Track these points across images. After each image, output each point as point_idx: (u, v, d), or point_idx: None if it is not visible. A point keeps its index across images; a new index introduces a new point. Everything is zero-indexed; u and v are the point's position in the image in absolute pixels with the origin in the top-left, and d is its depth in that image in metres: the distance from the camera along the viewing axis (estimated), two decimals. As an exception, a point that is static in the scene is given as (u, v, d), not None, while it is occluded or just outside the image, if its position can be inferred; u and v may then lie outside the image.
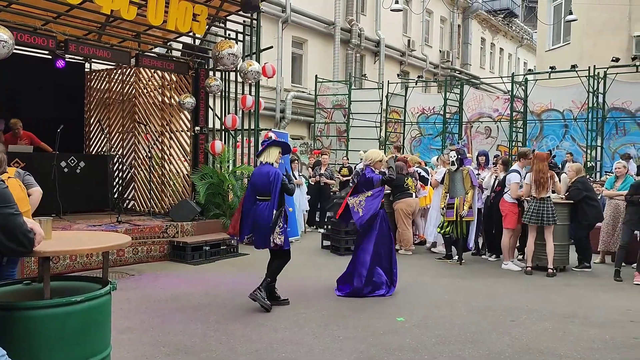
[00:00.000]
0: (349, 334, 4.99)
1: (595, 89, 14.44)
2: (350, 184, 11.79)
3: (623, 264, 7.79)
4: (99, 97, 11.09)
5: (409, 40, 26.20)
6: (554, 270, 7.87)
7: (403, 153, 14.82)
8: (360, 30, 22.55)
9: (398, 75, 22.22)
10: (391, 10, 19.68)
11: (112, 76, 10.89)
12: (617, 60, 14.38)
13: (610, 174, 11.24)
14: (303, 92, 20.59)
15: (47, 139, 9.22)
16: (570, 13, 17.83)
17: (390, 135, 18.35)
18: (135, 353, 4.43)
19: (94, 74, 11.16)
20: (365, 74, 22.98)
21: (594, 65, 14.27)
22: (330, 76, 20.65)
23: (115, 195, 10.49)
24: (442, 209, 8.72)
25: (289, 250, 5.81)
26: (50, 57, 9.15)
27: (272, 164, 5.76)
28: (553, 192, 8.51)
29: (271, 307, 5.62)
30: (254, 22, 10.21)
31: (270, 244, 5.56)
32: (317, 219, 12.59)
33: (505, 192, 8.37)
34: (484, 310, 5.89)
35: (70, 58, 9.77)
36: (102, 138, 11.04)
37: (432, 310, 5.86)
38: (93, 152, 11.02)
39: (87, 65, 11.09)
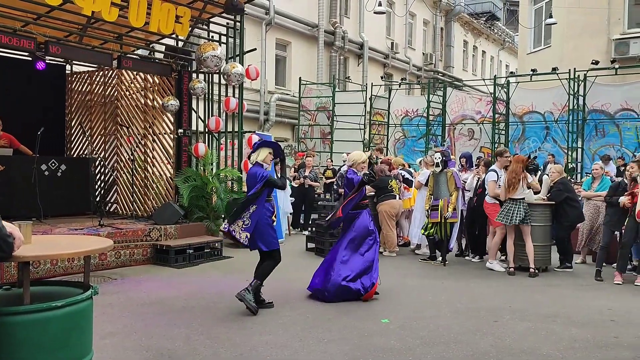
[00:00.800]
0: (333, 336, 4.99)
1: (575, 91, 14.63)
2: (335, 186, 11.86)
3: (604, 263, 7.90)
4: (81, 99, 10.96)
5: (392, 43, 26.32)
6: (536, 271, 7.95)
7: (387, 155, 14.88)
8: (343, 33, 22.62)
9: (382, 77, 22.30)
10: (374, 12, 19.76)
11: (93, 78, 10.77)
12: (597, 63, 14.59)
13: (590, 174, 11.39)
14: (287, 94, 20.59)
15: (28, 141, 9.08)
16: (551, 17, 18.05)
17: (374, 137, 18.41)
18: (118, 358, 4.39)
19: (75, 75, 11.03)
20: (349, 76, 23.05)
21: (574, 68, 14.46)
22: (314, 78, 20.66)
23: (97, 199, 10.37)
24: (427, 210, 8.78)
25: (278, 251, 5.82)
26: (30, 58, 9.04)
27: (262, 165, 5.77)
28: (536, 193, 8.61)
29: (257, 310, 5.60)
30: (238, 24, 10.19)
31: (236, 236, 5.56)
32: (302, 221, 12.58)
33: (487, 194, 8.46)
34: (467, 311, 5.93)
35: (50, 60, 9.66)
36: (83, 141, 10.91)
37: (416, 311, 5.88)
38: (74, 155, 10.89)
39: (68, 67, 10.96)
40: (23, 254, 2.67)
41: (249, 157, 6.09)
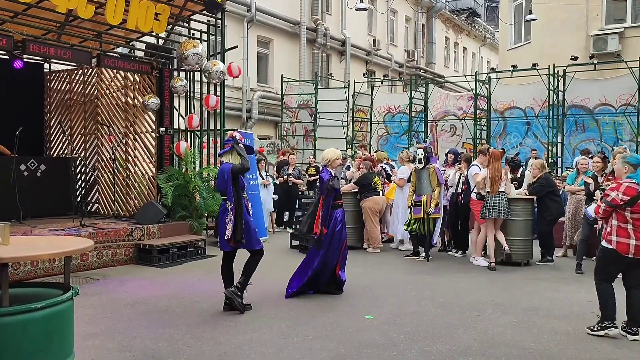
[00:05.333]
0: (318, 333, 5.00)
1: (555, 86, 14.79)
2: (318, 184, 11.85)
3: (584, 257, 8.01)
4: (60, 98, 10.81)
5: (374, 40, 26.37)
6: (504, 253, 8.08)
7: (370, 152, 14.91)
8: (325, 30, 22.61)
9: (364, 74, 22.34)
10: (356, 9, 19.77)
11: (73, 77, 10.62)
12: (576, 58, 14.75)
13: (570, 169, 11.54)
14: (269, 91, 20.53)
15: (6, 141, 8.95)
16: (530, 13, 18.23)
17: (357, 134, 18.44)
18: (101, 359, 4.34)
19: (54, 74, 10.87)
20: (331, 74, 23.05)
21: (554, 64, 14.61)
22: (296, 75, 20.62)
23: (78, 199, 10.26)
24: (410, 207, 8.82)
25: (261, 249, 5.75)
26: (7, 57, 8.89)
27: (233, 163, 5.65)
28: (517, 187, 8.70)
29: (244, 309, 5.57)
30: (219, 21, 10.12)
31: (224, 240, 5.51)
32: (286, 219, 12.56)
33: (472, 190, 8.51)
34: (450, 305, 5.97)
35: (28, 58, 9.51)
36: (63, 140, 10.76)
37: (400, 307, 5.91)
38: (54, 155, 10.74)
39: (46, 65, 10.81)
40: (0, 255, 2.64)
41: (220, 156, 5.95)
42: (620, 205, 4.79)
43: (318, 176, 11.98)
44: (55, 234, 7.45)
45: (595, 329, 5.00)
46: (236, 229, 5.45)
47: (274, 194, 11.93)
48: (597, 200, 5.56)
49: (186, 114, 10.22)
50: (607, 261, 4.99)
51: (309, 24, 21.85)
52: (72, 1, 7.34)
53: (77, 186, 10.41)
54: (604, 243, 5.00)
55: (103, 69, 9.97)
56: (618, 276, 5.10)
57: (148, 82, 9.85)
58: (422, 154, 8.70)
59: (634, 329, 4.91)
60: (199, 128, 10.33)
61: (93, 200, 10.49)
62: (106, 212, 10.09)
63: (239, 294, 5.61)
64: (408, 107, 17.28)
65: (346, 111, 17.73)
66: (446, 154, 10.38)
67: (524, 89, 15.79)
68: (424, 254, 8.80)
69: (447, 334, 4.98)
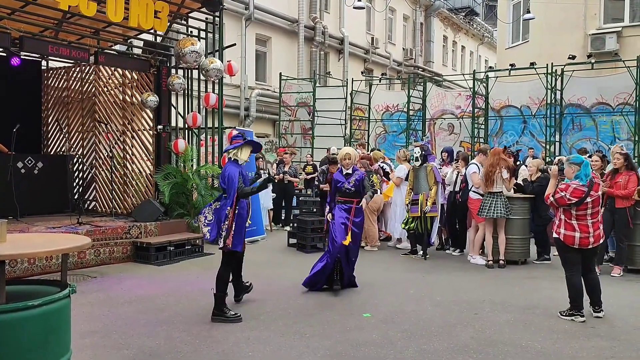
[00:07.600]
0: (315, 331, 5.00)
1: (552, 85, 14.80)
2: (316, 182, 11.85)
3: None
4: (57, 95, 10.80)
5: (372, 38, 26.34)
6: (505, 262, 8.11)
7: (368, 150, 14.90)
8: (324, 28, 22.58)
9: (362, 72, 22.30)
10: (354, 7, 19.74)
11: (70, 74, 10.61)
12: (574, 57, 14.76)
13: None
14: (268, 89, 20.50)
15: (3, 139, 8.93)
16: (529, 12, 18.23)
17: (355, 132, 18.42)
18: (98, 357, 4.35)
19: (51, 71, 10.85)
20: (329, 72, 23.00)
21: (552, 63, 14.62)
22: (294, 74, 20.59)
23: (76, 196, 10.24)
24: (407, 205, 8.82)
25: (235, 254, 5.49)
26: (4, 54, 8.87)
27: (238, 161, 5.50)
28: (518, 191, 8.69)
29: (239, 317, 5.33)
30: (217, 19, 10.11)
31: (219, 242, 5.36)
32: (283, 217, 12.55)
33: (470, 189, 8.51)
34: (448, 304, 5.98)
35: (25, 55, 9.49)
36: (61, 138, 10.75)
37: (397, 305, 5.92)
38: (52, 152, 10.73)
39: (44, 62, 10.78)
40: (-3, 252, 2.64)
41: (226, 151, 5.85)
42: (567, 204, 5.32)
43: (316, 175, 11.95)
44: (53, 232, 7.44)
45: (565, 314, 5.51)
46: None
47: (272, 192, 11.92)
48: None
49: (184, 112, 10.21)
50: (561, 251, 5.53)
51: (307, 22, 21.83)
52: (74, -2, 7.30)
53: (75, 184, 10.39)
54: (554, 235, 5.55)
55: (101, 67, 9.95)
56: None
57: (146, 80, 9.83)
58: (418, 152, 8.71)
59: (596, 307, 5.55)
60: (198, 126, 10.32)
61: (90, 198, 10.48)
62: (104, 209, 10.08)
63: (223, 315, 5.32)
64: (406, 106, 17.27)
65: (344, 109, 17.72)
66: (441, 153, 10.40)
67: (519, 87, 15.78)
68: (421, 252, 8.81)
69: (445, 332, 4.99)
